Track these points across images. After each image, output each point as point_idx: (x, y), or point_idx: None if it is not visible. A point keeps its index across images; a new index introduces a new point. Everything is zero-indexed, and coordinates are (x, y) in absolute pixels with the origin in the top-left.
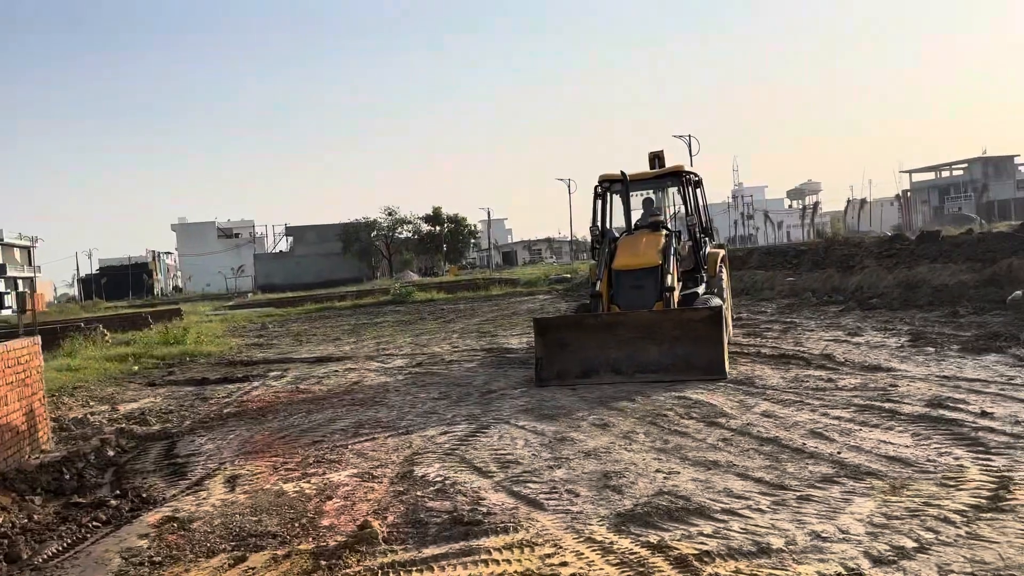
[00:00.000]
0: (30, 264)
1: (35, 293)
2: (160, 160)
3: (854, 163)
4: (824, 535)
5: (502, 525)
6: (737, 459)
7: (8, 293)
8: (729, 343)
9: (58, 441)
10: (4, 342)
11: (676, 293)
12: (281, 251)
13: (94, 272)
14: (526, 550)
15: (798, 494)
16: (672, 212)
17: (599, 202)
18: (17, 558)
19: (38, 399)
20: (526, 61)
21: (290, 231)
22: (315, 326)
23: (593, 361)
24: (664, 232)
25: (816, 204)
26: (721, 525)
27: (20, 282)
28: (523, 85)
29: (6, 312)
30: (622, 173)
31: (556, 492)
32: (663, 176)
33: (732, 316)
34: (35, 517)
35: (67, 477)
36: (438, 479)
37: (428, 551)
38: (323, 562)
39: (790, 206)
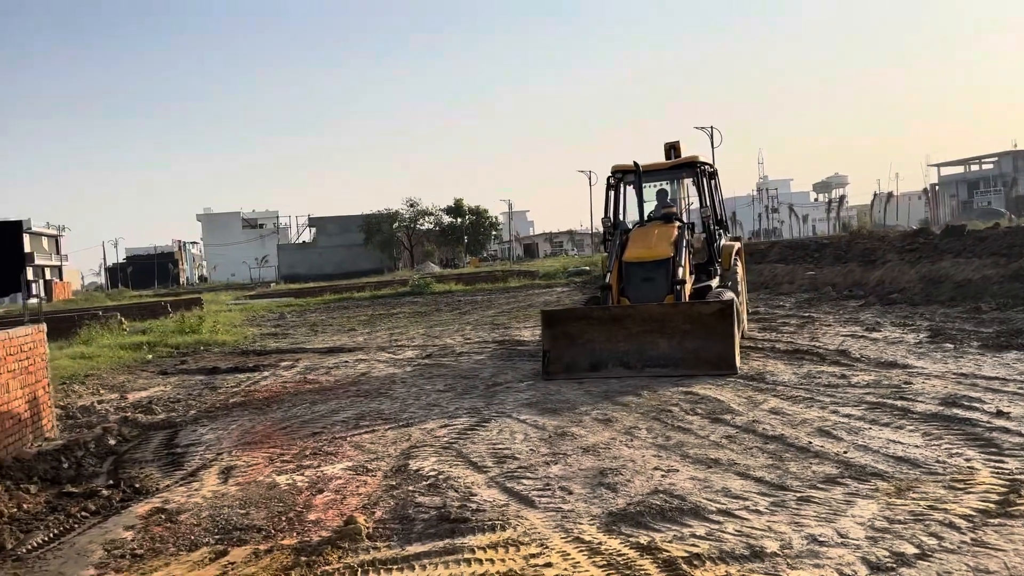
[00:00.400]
0: (57, 253)
1: (55, 282)
2: (186, 150)
3: (882, 156)
4: (821, 539)
5: (489, 523)
6: (739, 457)
7: (35, 281)
8: (743, 337)
9: (63, 429)
10: (6, 329)
11: (688, 286)
12: (304, 242)
13: (121, 261)
14: (511, 549)
15: (798, 495)
16: (687, 204)
17: (612, 193)
18: (1, 548)
19: (42, 387)
20: (550, 54)
21: (313, 222)
22: (332, 316)
23: (601, 354)
24: (677, 224)
25: (842, 198)
26: (715, 526)
27: (47, 270)
28: (547, 78)
29: (33, 301)
30: (635, 164)
31: (549, 489)
32: (677, 167)
33: (748, 310)
34: (24, 506)
35: (65, 466)
36: (432, 474)
37: (411, 549)
38: (303, 558)
39: (816, 199)
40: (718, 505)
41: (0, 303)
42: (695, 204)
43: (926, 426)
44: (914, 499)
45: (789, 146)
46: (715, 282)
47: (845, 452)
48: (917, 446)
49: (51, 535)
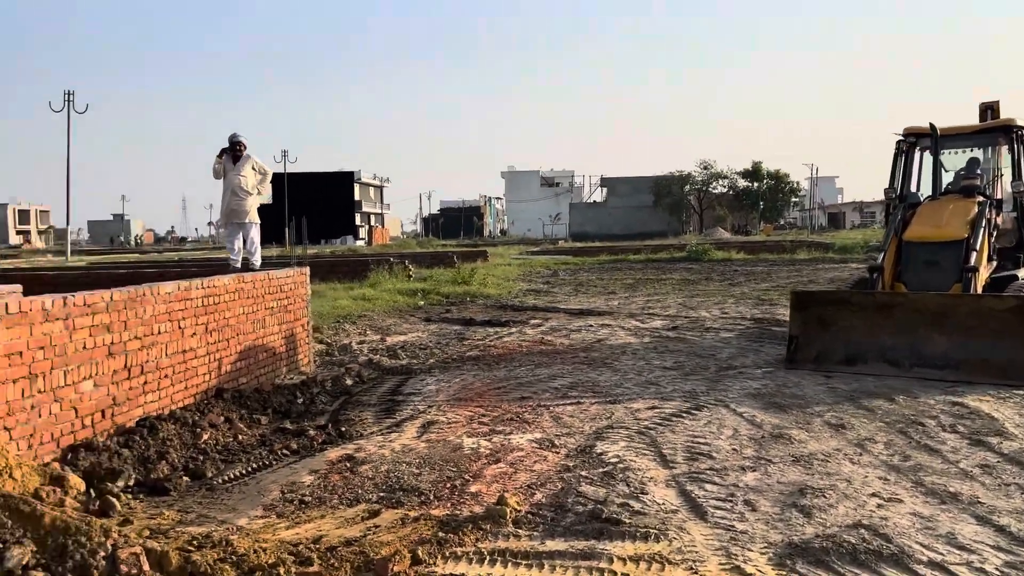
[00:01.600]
0: (381, 202)
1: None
2: (497, 111)
3: None
4: None
5: (643, 530)
6: (987, 495)
7: (362, 226)
8: None
9: (320, 365)
10: (268, 271)
11: (982, 275)
12: (595, 201)
13: (434, 212)
14: (654, 567)
15: None
16: (998, 176)
17: (901, 160)
18: (201, 475)
19: (301, 325)
20: (872, 5)
21: (605, 182)
22: (601, 277)
23: (861, 347)
24: (978, 199)
25: None
26: None
27: (372, 217)
28: (867, 31)
29: (360, 243)
30: (931, 125)
31: (731, 500)
32: (985, 131)
33: None
34: (240, 437)
35: (299, 401)
36: (613, 460)
37: (550, 544)
38: (441, 534)
39: None
40: (931, 555)
41: (331, 243)
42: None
43: None
44: None
45: None
46: (1023, 272)
47: None
48: None
49: (248, 469)
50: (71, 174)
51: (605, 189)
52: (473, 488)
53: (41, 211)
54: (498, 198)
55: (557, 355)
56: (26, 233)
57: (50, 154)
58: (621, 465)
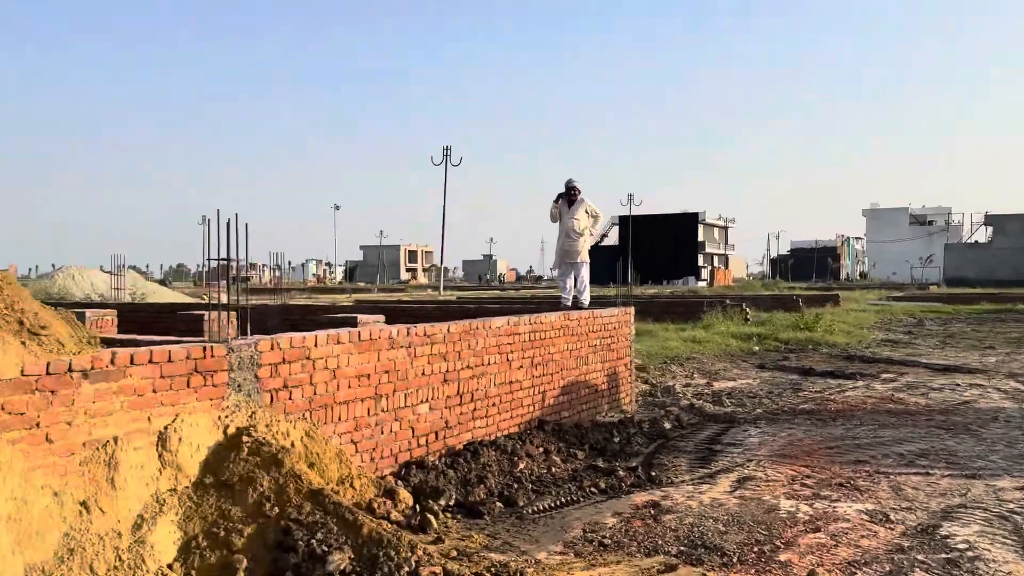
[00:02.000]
0: (725, 243)
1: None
2: (857, 146)
3: None
4: None
5: None
6: None
7: (705, 267)
8: None
9: (641, 405)
10: (593, 309)
11: None
12: (977, 241)
13: (783, 253)
14: None
15: None
16: None
17: None
18: (513, 503)
19: (623, 363)
20: None
21: (990, 220)
22: (977, 329)
23: None
24: None
25: None
26: None
27: (715, 258)
28: None
29: (701, 284)
30: None
31: None
32: None
33: None
34: (553, 470)
35: (615, 440)
36: (961, 546)
37: None
38: None
39: None
40: None
41: (673, 283)
42: None
43: None
44: None
45: None
46: None
47: None
48: None
49: (556, 503)
50: (446, 218)
51: (990, 227)
52: (783, 556)
53: (426, 251)
54: (858, 238)
55: (908, 416)
56: (413, 270)
57: (435, 200)
58: (970, 553)
